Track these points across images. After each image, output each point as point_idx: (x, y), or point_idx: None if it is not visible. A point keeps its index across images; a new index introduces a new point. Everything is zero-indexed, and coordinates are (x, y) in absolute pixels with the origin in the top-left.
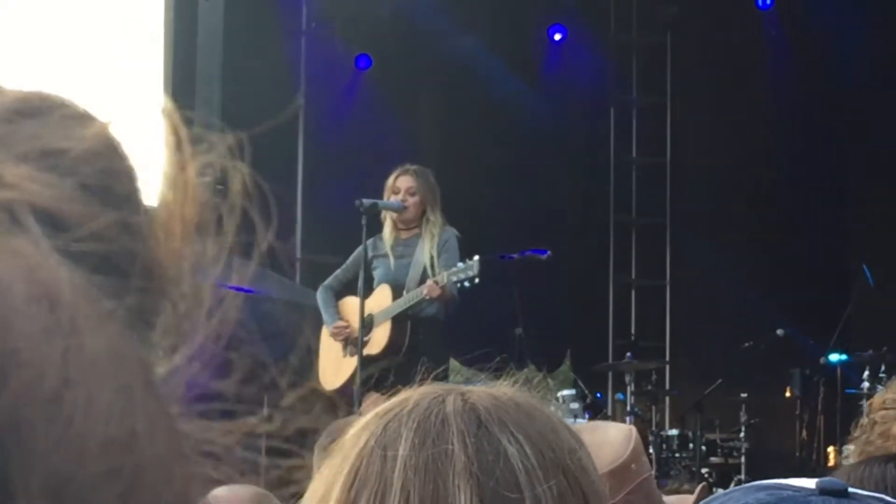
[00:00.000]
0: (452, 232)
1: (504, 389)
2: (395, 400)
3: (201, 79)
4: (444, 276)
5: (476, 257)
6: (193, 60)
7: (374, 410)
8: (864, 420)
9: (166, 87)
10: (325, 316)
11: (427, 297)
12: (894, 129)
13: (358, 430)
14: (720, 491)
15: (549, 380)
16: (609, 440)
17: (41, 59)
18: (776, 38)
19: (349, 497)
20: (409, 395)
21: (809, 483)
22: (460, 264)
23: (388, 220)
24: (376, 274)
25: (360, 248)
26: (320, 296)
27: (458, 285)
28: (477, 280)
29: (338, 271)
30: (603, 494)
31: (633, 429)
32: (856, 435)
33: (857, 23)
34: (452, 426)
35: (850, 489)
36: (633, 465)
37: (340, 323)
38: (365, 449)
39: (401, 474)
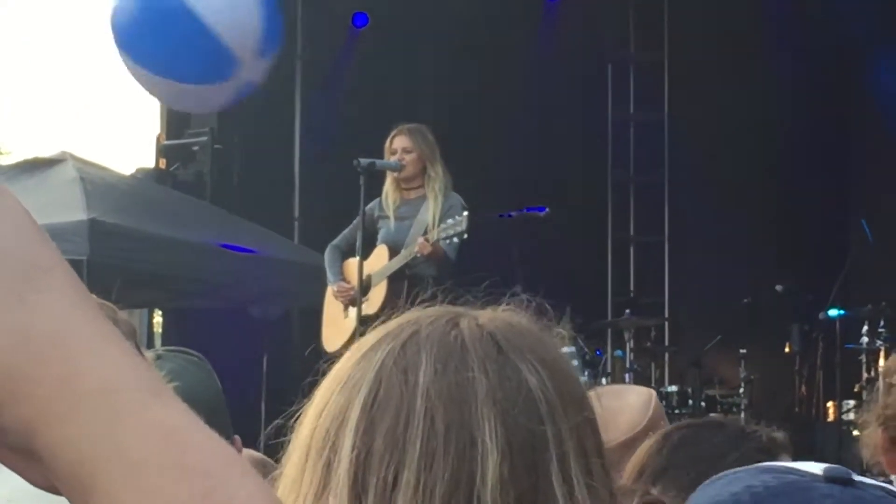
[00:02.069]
0: (458, 199)
1: (512, 315)
2: (403, 320)
3: None
4: (434, 233)
5: (465, 213)
6: None
7: (383, 330)
8: (878, 384)
9: None
10: (329, 275)
11: (419, 255)
12: (894, 87)
13: (370, 350)
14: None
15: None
16: (627, 406)
17: (37, 59)
18: None
19: (369, 418)
20: (418, 316)
21: (816, 468)
22: (449, 220)
23: (390, 180)
24: (380, 235)
25: (365, 208)
26: (327, 255)
27: (448, 242)
28: (466, 236)
29: (345, 231)
30: (597, 422)
31: (653, 393)
32: (869, 399)
33: None
34: (471, 352)
35: (856, 477)
36: (650, 433)
37: (343, 284)
38: (383, 370)
39: (424, 400)
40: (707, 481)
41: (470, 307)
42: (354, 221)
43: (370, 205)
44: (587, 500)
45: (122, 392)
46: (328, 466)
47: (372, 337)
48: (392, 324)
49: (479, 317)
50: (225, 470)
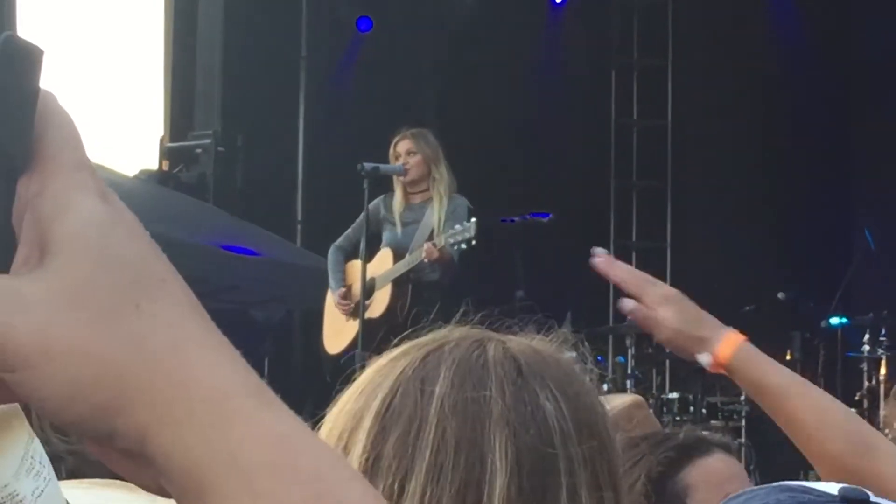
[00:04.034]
0: (463, 201)
1: (543, 344)
2: (432, 336)
3: (203, 40)
4: (441, 239)
5: (473, 219)
6: (195, 23)
7: (412, 343)
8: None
9: (167, 45)
10: (331, 280)
11: (426, 260)
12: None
13: (393, 360)
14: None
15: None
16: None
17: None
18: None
19: (382, 423)
20: (447, 334)
21: (833, 488)
22: (458, 227)
23: (398, 186)
24: (384, 237)
25: (369, 205)
26: (330, 257)
27: (456, 248)
28: (474, 242)
29: (348, 231)
30: (620, 459)
31: (640, 399)
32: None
33: None
34: (492, 373)
35: (872, 498)
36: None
37: (342, 290)
38: (401, 378)
39: (437, 412)
40: (727, 499)
41: (506, 331)
42: (357, 220)
43: (374, 202)
44: None
45: (235, 399)
46: None
47: (401, 347)
48: (424, 338)
49: (507, 341)
50: (334, 473)
